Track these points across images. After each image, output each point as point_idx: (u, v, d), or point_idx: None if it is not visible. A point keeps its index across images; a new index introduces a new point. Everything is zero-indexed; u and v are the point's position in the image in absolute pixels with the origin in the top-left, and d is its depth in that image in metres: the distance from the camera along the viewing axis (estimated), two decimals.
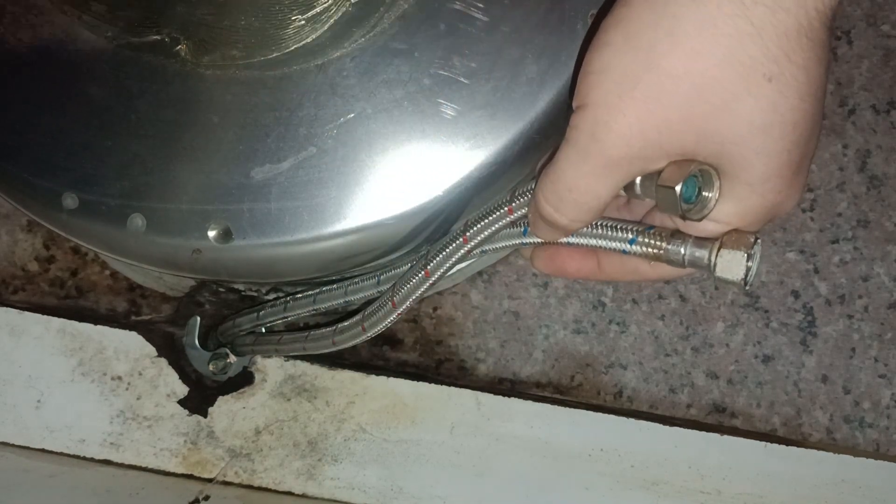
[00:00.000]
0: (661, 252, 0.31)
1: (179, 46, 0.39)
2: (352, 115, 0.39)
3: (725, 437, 0.52)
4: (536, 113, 0.38)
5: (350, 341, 0.43)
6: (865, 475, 0.51)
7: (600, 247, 0.32)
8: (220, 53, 0.39)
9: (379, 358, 0.57)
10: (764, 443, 0.52)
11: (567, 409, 0.53)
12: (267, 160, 0.39)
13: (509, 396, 0.53)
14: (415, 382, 0.53)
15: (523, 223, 0.35)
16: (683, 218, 0.30)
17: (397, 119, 0.39)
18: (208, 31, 0.39)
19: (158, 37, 0.39)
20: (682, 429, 0.52)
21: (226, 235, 0.39)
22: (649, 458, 0.52)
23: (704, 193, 0.30)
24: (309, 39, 0.39)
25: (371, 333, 0.40)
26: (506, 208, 0.35)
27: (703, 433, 0.52)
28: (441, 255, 0.38)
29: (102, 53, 0.40)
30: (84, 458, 0.53)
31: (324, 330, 0.45)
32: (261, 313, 0.50)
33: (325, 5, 0.38)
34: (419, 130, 0.39)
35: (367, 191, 0.39)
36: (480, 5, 0.38)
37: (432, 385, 0.53)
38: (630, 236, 0.32)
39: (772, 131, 0.28)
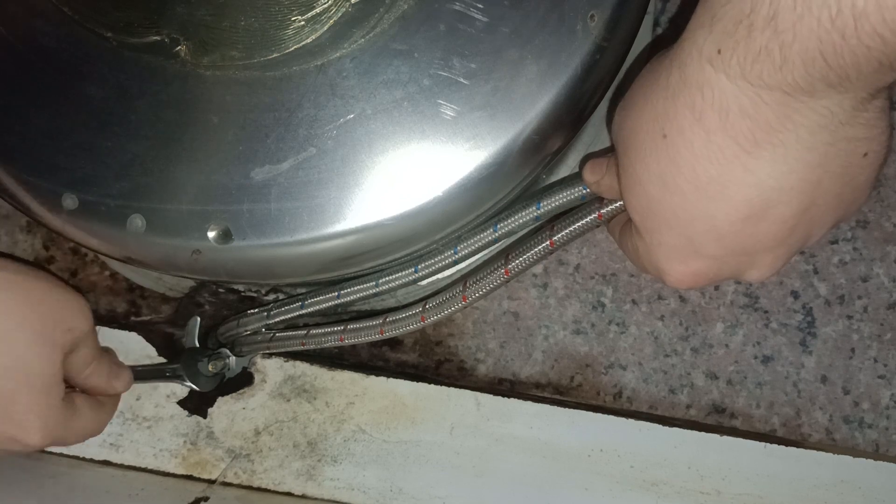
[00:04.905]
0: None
1: (179, 47, 0.39)
2: (351, 115, 0.39)
3: (725, 437, 0.52)
4: (536, 113, 0.38)
5: (402, 329, 0.45)
6: (865, 476, 0.51)
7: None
8: (219, 54, 0.39)
9: (378, 358, 0.57)
10: (763, 443, 0.52)
11: (567, 409, 0.53)
12: (267, 161, 0.39)
13: (509, 397, 0.53)
14: (414, 383, 0.53)
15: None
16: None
17: (397, 120, 0.39)
18: (208, 31, 0.39)
19: (158, 37, 0.39)
20: (681, 429, 0.52)
21: (225, 236, 0.39)
22: (649, 458, 0.52)
23: None
24: (309, 40, 0.39)
25: (430, 322, 0.44)
26: (595, 214, 0.39)
27: (703, 434, 0.52)
28: (524, 257, 0.41)
29: (102, 54, 0.40)
30: (83, 459, 0.53)
31: (370, 321, 0.47)
32: (272, 312, 0.50)
33: (325, 6, 0.38)
34: (419, 131, 0.39)
35: (367, 191, 0.39)
36: (480, 6, 0.38)
37: (432, 385, 0.53)
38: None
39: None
